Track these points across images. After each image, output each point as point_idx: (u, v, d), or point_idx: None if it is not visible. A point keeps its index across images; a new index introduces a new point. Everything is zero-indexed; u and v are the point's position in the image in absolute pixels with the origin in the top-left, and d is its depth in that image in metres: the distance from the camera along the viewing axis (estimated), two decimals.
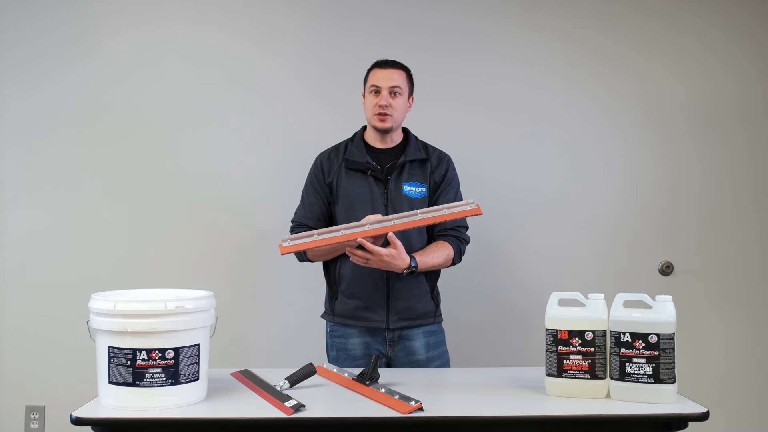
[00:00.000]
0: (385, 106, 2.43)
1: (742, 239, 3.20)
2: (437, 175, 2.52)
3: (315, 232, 2.26)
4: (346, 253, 2.29)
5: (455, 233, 2.51)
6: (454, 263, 2.53)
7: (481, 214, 2.32)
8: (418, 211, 2.29)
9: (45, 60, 3.09)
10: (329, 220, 2.53)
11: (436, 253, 2.44)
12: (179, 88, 3.11)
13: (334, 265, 2.49)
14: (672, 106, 3.20)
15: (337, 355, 2.49)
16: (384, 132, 2.49)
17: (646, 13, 3.19)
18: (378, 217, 2.28)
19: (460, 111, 3.15)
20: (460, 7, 3.16)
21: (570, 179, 3.18)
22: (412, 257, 2.34)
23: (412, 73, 2.55)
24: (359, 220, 2.36)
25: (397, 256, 2.27)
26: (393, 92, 2.45)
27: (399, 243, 2.27)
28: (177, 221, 3.11)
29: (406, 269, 2.32)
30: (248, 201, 3.11)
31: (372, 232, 2.24)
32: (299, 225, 2.52)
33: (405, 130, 2.59)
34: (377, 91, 2.46)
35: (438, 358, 2.51)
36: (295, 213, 2.56)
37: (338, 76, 3.11)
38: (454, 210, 2.30)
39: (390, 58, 2.53)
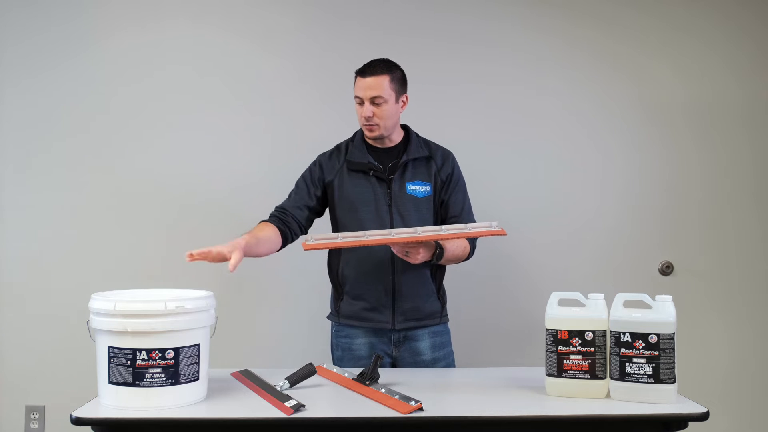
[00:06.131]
0: (369, 117, 2.39)
1: (742, 239, 3.20)
2: (443, 173, 2.50)
3: (339, 234, 2.26)
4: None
5: None
6: (468, 257, 2.49)
7: (505, 234, 2.27)
8: (443, 227, 2.26)
9: (45, 58, 3.09)
10: (312, 213, 2.49)
11: (455, 242, 2.38)
12: (179, 87, 3.11)
13: (338, 266, 2.48)
14: (672, 106, 3.19)
15: (342, 354, 2.48)
16: (374, 140, 2.47)
17: (646, 13, 3.18)
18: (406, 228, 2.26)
19: (459, 110, 3.15)
20: (460, 6, 3.16)
21: (570, 179, 3.18)
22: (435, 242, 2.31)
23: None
24: (361, 221, 2.36)
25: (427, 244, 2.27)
26: (374, 102, 2.39)
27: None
28: (177, 221, 3.10)
29: (435, 252, 2.30)
30: (249, 200, 3.10)
31: (398, 240, 2.21)
32: (281, 210, 2.47)
33: (405, 128, 2.55)
34: (360, 103, 2.41)
35: (444, 358, 2.49)
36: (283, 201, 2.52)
37: (339, 75, 3.09)
38: (480, 229, 2.28)
39: (377, 59, 2.44)
